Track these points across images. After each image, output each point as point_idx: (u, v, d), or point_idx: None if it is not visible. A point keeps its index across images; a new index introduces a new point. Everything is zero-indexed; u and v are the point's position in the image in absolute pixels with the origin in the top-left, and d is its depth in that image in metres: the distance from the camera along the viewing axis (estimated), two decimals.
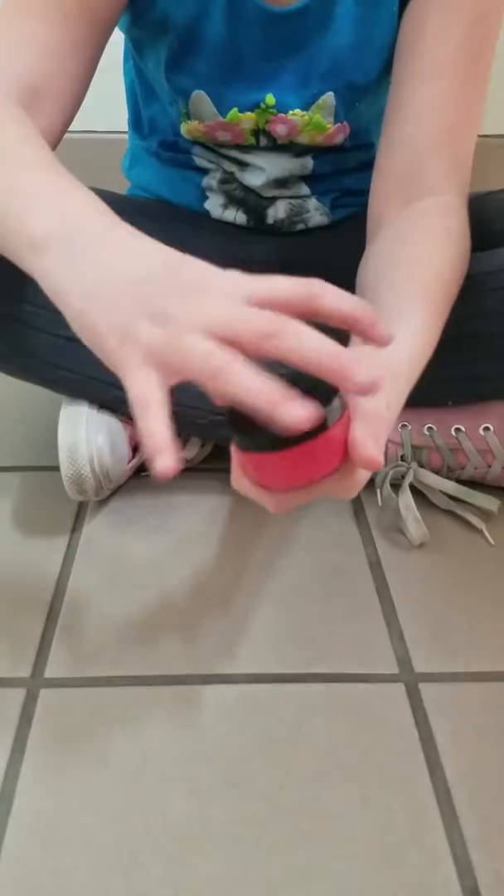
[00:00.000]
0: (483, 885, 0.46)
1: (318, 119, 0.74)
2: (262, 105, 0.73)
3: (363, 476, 0.46)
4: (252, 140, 0.76)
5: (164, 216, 0.83)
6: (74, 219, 0.45)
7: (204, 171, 0.83)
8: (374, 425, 0.42)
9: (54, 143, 0.65)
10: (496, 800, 0.51)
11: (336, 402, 0.41)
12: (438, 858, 0.48)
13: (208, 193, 0.84)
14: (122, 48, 0.80)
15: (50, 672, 0.59)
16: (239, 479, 0.47)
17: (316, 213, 0.83)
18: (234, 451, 0.46)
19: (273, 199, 0.82)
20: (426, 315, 0.56)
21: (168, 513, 0.76)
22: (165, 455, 0.39)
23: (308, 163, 0.79)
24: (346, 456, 0.43)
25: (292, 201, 0.82)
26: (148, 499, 0.78)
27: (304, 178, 0.81)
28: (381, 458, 0.42)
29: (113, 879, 0.46)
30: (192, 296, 0.40)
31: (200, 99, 0.73)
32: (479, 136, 0.69)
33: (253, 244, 0.84)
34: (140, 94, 0.82)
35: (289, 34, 0.69)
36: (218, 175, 0.82)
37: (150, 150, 0.85)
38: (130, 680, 0.59)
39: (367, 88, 0.73)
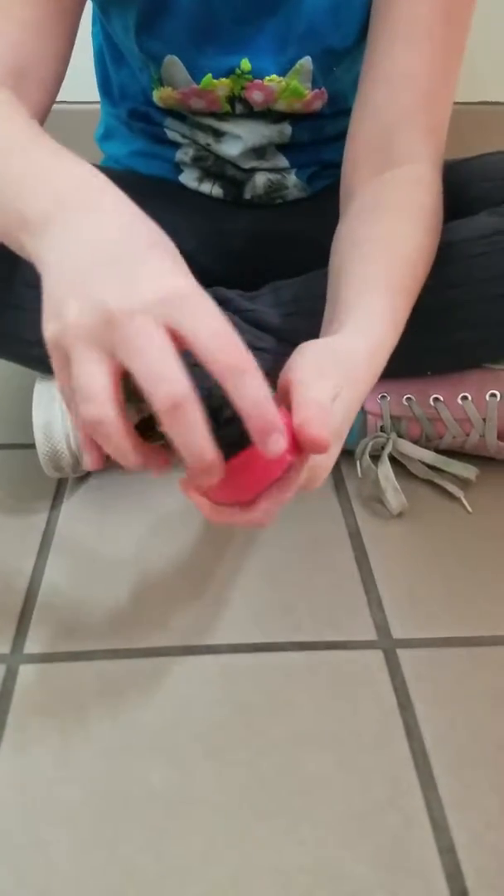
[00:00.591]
0: (459, 845, 0.47)
1: (295, 85, 0.73)
2: (238, 71, 0.71)
3: (321, 466, 0.46)
4: (227, 108, 0.75)
5: (139, 188, 0.81)
6: (64, 201, 0.44)
7: (176, 146, 0.81)
8: (314, 410, 0.42)
9: (40, 123, 0.64)
10: (473, 763, 0.52)
11: None
12: (415, 820, 0.48)
13: (182, 167, 0.83)
14: (91, 12, 0.78)
15: (29, 648, 0.59)
16: (185, 482, 0.46)
17: (294, 189, 0.82)
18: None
19: (251, 172, 0.81)
20: (389, 298, 0.55)
21: (148, 489, 0.76)
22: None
23: (286, 129, 0.78)
24: (287, 462, 0.43)
25: (271, 176, 0.81)
26: (127, 475, 0.77)
27: (282, 149, 0.80)
28: (327, 438, 0.41)
29: (95, 851, 0.47)
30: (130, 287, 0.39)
31: (173, 64, 0.72)
32: (456, 103, 0.69)
33: (230, 216, 0.83)
34: (109, 58, 0.80)
35: None
36: (191, 151, 0.81)
37: (121, 119, 0.84)
38: (110, 654, 0.59)
39: (344, 53, 0.72)
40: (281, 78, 0.72)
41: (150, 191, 0.82)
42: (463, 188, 0.73)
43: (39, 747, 0.53)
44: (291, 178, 0.81)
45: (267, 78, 0.72)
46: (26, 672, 0.58)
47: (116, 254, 0.40)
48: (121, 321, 0.37)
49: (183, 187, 0.83)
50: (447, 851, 0.47)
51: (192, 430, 0.37)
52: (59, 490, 0.76)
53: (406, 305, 0.57)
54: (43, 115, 0.65)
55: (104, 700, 0.56)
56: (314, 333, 0.76)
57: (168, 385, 0.37)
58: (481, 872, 0.46)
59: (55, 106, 0.68)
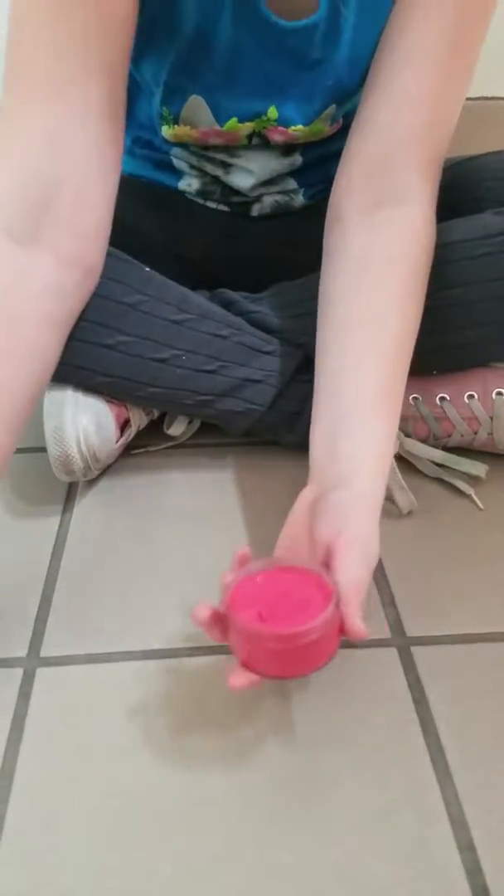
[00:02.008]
0: (478, 841, 0.47)
1: (317, 127, 0.73)
2: (264, 117, 0.71)
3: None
4: (245, 142, 0.75)
5: (145, 197, 0.81)
6: None
7: (180, 174, 0.81)
8: (355, 600, 0.48)
9: (91, 245, 0.59)
10: (488, 758, 0.52)
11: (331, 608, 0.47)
12: (434, 816, 0.49)
13: (187, 194, 0.82)
14: None
15: (45, 651, 0.60)
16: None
17: (300, 206, 0.82)
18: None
19: (259, 197, 0.81)
20: (386, 401, 0.59)
21: (159, 490, 0.76)
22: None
23: (297, 160, 0.77)
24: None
25: (278, 198, 0.81)
26: (138, 477, 0.78)
27: (291, 172, 0.80)
28: (366, 632, 0.47)
29: (112, 852, 0.47)
30: None
31: (197, 104, 0.71)
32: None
33: (236, 225, 0.83)
34: None
35: (297, 50, 0.66)
36: (195, 183, 0.80)
37: (125, 145, 0.83)
38: (126, 655, 0.59)
39: (361, 82, 0.70)
40: (305, 127, 0.72)
41: (156, 200, 0.82)
42: (468, 187, 0.74)
43: (57, 750, 0.53)
44: (299, 199, 0.81)
45: (292, 128, 0.72)
46: (43, 675, 0.58)
47: None
48: None
49: (188, 199, 0.83)
50: (466, 848, 0.47)
51: None
52: (71, 494, 0.76)
53: (400, 396, 0.60)
54: (96, 261, 0.60)
55: (120, 702, 0.56)
56: (314, 334, 0.76)
57: None
58: (501, 868, 0.46)
59: None
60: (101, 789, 0.50)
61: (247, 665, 0.48)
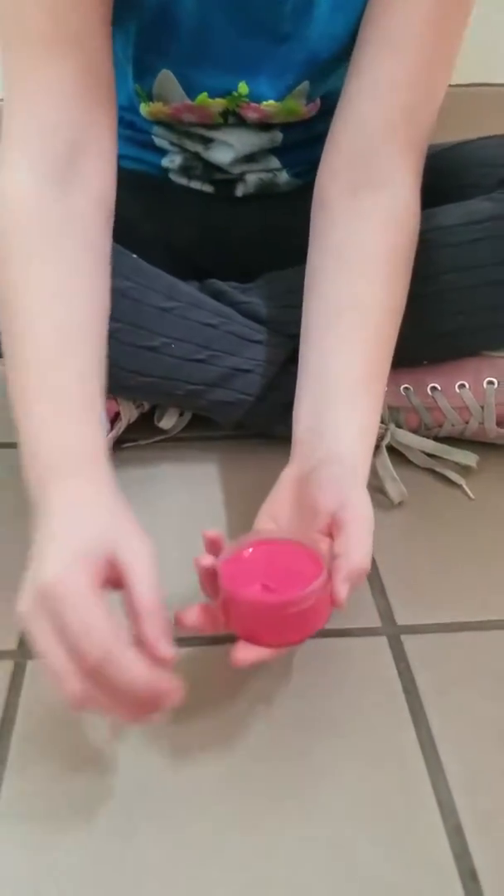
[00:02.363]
0: (466, 826, 0.48)
1: (291, 105, 0.72)
2: (235, 93, 0.70)
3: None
4: (220, 120, 0.74)
5: (129, 184, 0.81)
6: (44, 485, 0.50)
7: (163, 152, 0.81)
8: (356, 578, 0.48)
9: (110, 195, 0.61)
10: (478, 745, 0.52)
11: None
12: (423, 801, 0.49)
13: (170, 173, 0.82)
14: None
15: None
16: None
17: (286, 186, 0.82)
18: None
19: (242, 175, 0.80)
20: (370, 383, 0.59)
21: (150, 484, 0.76)
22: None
23: (277, 136, 0.77)
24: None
25: (262, 175, 0.81)
26: (129, 470, 0.78)
27: (274, 151, 0.79)
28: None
29: (108, 841, 0.47)
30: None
31: (168, 80, 0.70)
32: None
33: (222, 210, 0.83)
34: None
35: (265, 23, 0.66)
36: (178, 159, 0.80)
37: None
38: None
39: (337, 60, 0.70)
40: (278, 102, 0.71)
41: (140, 187, 0.82)
42: (456, 173, 0.74)
43: (49, 741, 0.53)
44: (283, 177, 0.81)
45: (264, 103, 0.71)
46: (34, 668, 0.58)
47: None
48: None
49: (173, 183, 0.83)
50: (455, 833, 0.47)
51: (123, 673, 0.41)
52: None
53: (384, 376, 0.61)
54: (111, 182, 0.61)
55: None
56: None
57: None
58: (489, 852, 0.46)
59: None
60: (93, 781, 0.51)
61: (250, 639, 0.48)
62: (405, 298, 0.62)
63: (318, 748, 0.52)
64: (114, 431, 0.77)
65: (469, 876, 0.45)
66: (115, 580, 0.45)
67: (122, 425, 0.78)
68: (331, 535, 0.50)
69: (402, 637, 0.59)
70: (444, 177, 0.70)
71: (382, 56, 0.62)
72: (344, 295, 0.61)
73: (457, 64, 0.64)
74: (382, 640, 0.59)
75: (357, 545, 0.49)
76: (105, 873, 0.46)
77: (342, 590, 0.46)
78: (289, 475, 0.57)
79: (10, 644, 0.60)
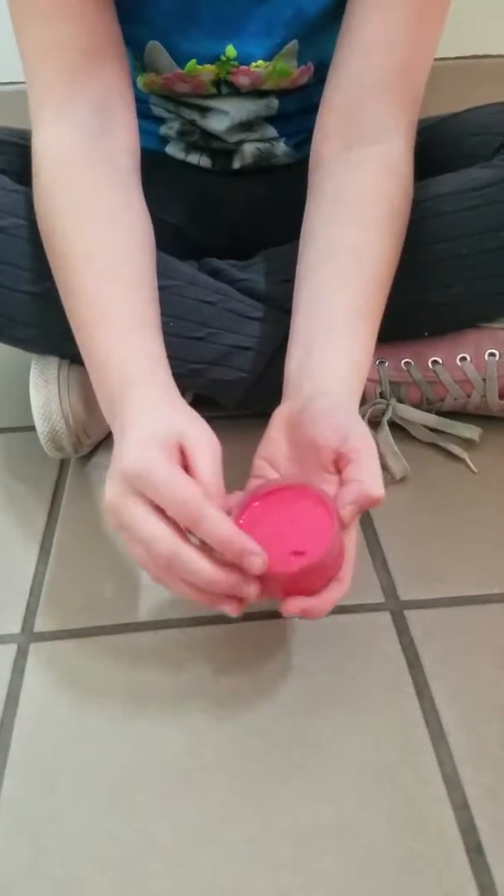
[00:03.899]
0: (472, 800, 0.47)
1: (282, 66, 0.71)
2: (223, 58, 0.70)
3: None
4: (213, 90, 0.73)
5: None
6: (114, 406, 0.52)
7: (161, 120, 0.80)
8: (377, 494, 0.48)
9: (138, 148, 0.65)
10: (482, 718, 0.52)
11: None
12: (428, 777, 0.49)
13: (168, 140, 0.82)
14: None
15: (39, 626, 0.60)
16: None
17: (284, 156, 0.81)
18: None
19: (239, 144, 0.79)
20: (363, 322, 0.58)
21: None
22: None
23: (273, 102, 0.76)
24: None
25: (260, 145, 0.79)
26: None
27: (270, 120, 0.78)
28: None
29: (112, 819, 0.47)
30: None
31: (156, 50, 0.70)
32: (442, 58, 0.67)
33: (219, 186, 0.82)
34: None
35: None
36: (176, 125, 0.79)
37: None
38: (119, 628, 0.59)
39: (325, 19, 0.69)
40: (267, 63, 0.70)
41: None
42: (452, 143, 0.72)
43: (53, 723, 0.53)
44: (280, 146, 0.80)
45: (253, 64, 0.70)
46: (37, 650, 0.58)
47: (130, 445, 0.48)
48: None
49: (170, 158, 0.82)
50: (461, 807, 0.47)
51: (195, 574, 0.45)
52: (63, 470, 0.76)
53: (378, 315, 0.59)
54: (135, 129, 0.64)
55: (115, 674, 0.56)
56: None
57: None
58: (495, 826, 0.46)
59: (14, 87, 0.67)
60: (97, 759, 0.51)
61: (285, 595, 0.48)
62: (399, 250, 0.61)
63: (323, 724, 0.52)
64: None
65: (476, 850, 0.45)
66: (184, 465, 0.48)
67: None
68: (337, 469, 0.49)
69: (406, 612, 0.59)
70: (440, 147, 0.68)
71: (370, 17, 0.61)
72: (336, 239, 0.60)
73: (452, 37, 0.63)
74: (386, 616, 0.59)
75: (370, 473, 0.48)
76: (107, 852, 0.46)
77: (347, 511, 0.47)
78: (280, 414, 0.56)
79: (14, 628, 0.60)
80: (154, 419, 0.49)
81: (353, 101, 0.62)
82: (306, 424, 0.52)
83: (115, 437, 0.51)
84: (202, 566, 0.45)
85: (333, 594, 0.48)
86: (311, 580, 0.47)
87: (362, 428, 0.50)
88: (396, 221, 0.61)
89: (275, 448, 0.54)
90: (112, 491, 0.47)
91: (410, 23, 0.60)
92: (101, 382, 0.55)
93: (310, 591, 0.48)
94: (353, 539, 0.50)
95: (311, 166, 0.66)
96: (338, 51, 0.64)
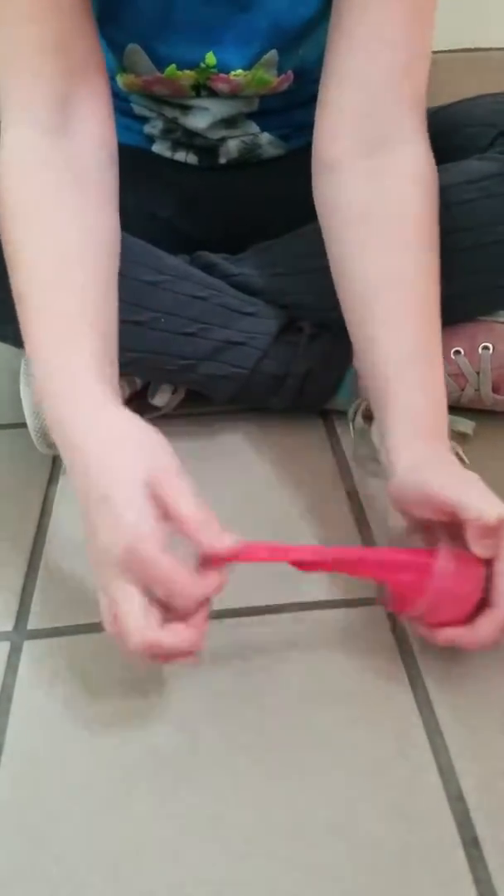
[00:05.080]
0: (468, 792, 0.47)
1: (261, 75, 0.71)
2: (202, 64, 0.69)
3: None
4: (192, 94, 0.73)
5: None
6: (68, 429, 0.50)
7: (144, 119, 0.79)
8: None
9: (110, 137, 0.62)
10: (478, 710, 0.52)
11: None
12: (424, 769, 0.48)
13: (153, 139, 0.81)
14: None
15: (32, 624, 0.60)
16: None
17: (269, 146, 0.80)
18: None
19: (222, 140, 0.79)
20: (429, 363, 0.57)
21: None
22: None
23: (254, 100, 0.75)
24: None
25: (244, 138, 0.79)
26: None
27: (252, 116, 0.77)
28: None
29: (108, 817, 0.47)
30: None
31: (135, 52, 0.70)
32: (436, 51, 0.67)
33: (207, 181, 0.81)
34: None
35: None
36: (159, 124, 0.79)
37: None
38: None
39: (305, 31, 0.69)
40: (247, 72, 0.70)
41: (124, 159, 0.80)
42: (447, 135, 0.72)
43: (47, 720, 0.53)
44: (264, 137, 0.79)
45: (233, 73, 0.70)
46: (30, 648, 0.58)
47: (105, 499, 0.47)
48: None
49: (157, 156, 0.82)
50: (456, 799, 0.47)
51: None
52: (56, 467, 0.75)
53: (439, 341, 0.59)
54: (110, 123, 0.62)
55: (109, 670, 0.56)
56: (301, 292, 0.75)
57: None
58: (491, 818, 0.46)
59: None
60: (93, 756, 0.50)
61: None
62: (438, 259, 0.60)
63: (318, 717, 0.52)
64: None
65: (472, 843, 0.45)
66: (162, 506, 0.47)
67: None
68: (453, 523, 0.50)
69: None
70: (437, 138, 0.68)
71: (368, 15, 0.60)
72: (379, 271, 0.59)
73: (446, 30, 0.62)
74: (380, 610, 0.59)
75: (473, 507, 0.48)
76: (103, 848, 0.46)
77: (479, 549, 0.48)
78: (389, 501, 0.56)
79: (7, 625, 0.59)
80: (124, 471, 0.47)
81: (365, 100, 0.61)
82: (404, 510, 0.53)
83: (68, 463, 0.50)
84: (170, 643, 0.45)
85: (487, 623, 0.49)
86: (435, 609, 0.49)
87: (436, 479, 0.50)
88: (431, 234, 0.60)
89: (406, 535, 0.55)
90: (99, 574, 0.47)
91: (408, 21, 0.60)
92: (43, 392, 0.52)
93: (444, 621, 0.50)
94: None
95: (319, 167, 0.64)
96: (333, 53, 0.62)
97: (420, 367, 0.57)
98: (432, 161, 0.62)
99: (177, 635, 0.45)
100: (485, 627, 0.48)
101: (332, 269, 0.63)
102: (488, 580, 0.49)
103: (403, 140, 0.61)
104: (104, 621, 0.47)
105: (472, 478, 0.51)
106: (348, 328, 0.62)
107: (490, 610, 0.48)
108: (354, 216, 0.61)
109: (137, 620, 0.44)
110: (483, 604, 0.49)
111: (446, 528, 0.51)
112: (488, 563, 0.49)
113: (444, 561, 0.48)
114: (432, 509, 0.50)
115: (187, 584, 0.45)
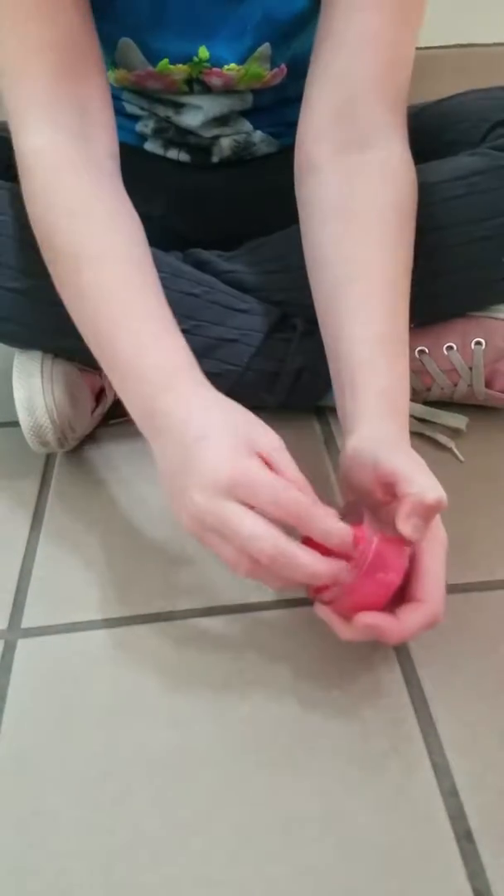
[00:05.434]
0: (461, 787, 0.47)
1: (254, 69, 0.71)
2: (195, 59, 0.69)
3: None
4: (185, 89, 0.73)
5: None
6: (154, 404, 0.52)
7: (136, 118, 0.79)
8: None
9: (117, 149, 0.63)
10: (471, 706, 0.52)
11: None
12: (417, 765, 0.49)
13: (145, 138, 0.81)
14: None
15: (26, 622, 0.60)
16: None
17: (262, 144, 0.80)
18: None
19: (215, 138, 0.79)
20: (394, 351, 0.57)
21: (138, 460, 0.75)
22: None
23: (247, 97, 0.75)
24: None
25: (237, 137, 0.79)
26: (117, 447, 0.77)
27: (245, 114, 0.77)
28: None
29: (101, 813, 0.47)
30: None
31: (128, 47, 0.70)
32: (427, 47, 0.67)
33: (200, 178, 0.81)
34: None
35: None
36: (151, 123, 0.79)
37: None
38: (109, 622, 0.59)
39: (298, 24, 0.69)
40: (240, 66, 0.70)
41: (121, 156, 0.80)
42: (437, 131, 0.72)
43: (41, 718, 0.53)
44: (257, 135, 0.79)
45: (226, 67, 0.70)
46: (25, 646, 0.58)
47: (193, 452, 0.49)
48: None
49: (150, 154, 0.81)
50: (450, 794, 0.47)
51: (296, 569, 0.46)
52: (49, 465, 0.75)
53: (406, 327, 0.59)
54: (114, 130, 0.63)
55: (103, 668, 0.56)
56: (293, 289, 0.75)
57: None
58: (484, 813, 0.46)
59: None
60: (86, 753, 0.50)
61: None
62: (412, 255, 0.60)
63: (311, 714, 0.52)
64: (99, 407, 0.76)
65: (465, 837, 0.45)
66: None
67: (107, 401, 0.77)
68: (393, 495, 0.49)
69: None
70: (427, 134, 0.68)
71: (352, 16, 0.60)
72: (349, 264, 0.59)
73: (437, 26, 0.62)
74: None
75: (416, 483, 0.48)
76: (96, 845, 0.46)
77: (409, 525, 0.47)
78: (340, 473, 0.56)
79: (2, 623, 0.59)
80: (224, 424, 0.49)
81: (344, 101, 0.61)
82: (348, 479, 0.53)
83: (162, 441, 0.51)
84: (307, 560, 0.45)
85: (413, 616, 0.48)
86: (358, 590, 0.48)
87: (389, 450, 0.50)
88: (405, 230, 0.60)
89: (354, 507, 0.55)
90: (201, 499, 0.47)
91: (395, 22, 0.60)
92: (132, 383, 0.54)
93: (361, 605, 0.48)
94: (437, 561, 0.50)
95: (301, 168, 0.64)
96: (319, 53, 0.62)
97: (385, 354, 0.56)
98: (409, 160, 0.62)
99: (308, 553, 0.45)
100: (413, 620, 0.48)
101: (307, 264, 0.63)
102: (411, 571, 0.49)
103: (381, 139, 0.61)
104: (221, 555, 0.48)
105: (422, 461, 0.51)
106: (318, 318, 0.62)
107: (419, 604, 0.48)
108: (329, 213, 0.61)
109: (265, 525, 0.45)
110: (400, 594, 0.49)
111: (375, 512, 0.51)
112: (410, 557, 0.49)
113: (369, 535, 0.47)
114: (375, 477, 0.49)
115: (301, 498, 0.46)
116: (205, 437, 0.48)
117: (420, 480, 0.48)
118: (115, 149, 0.63)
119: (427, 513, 0.47)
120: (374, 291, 0.58)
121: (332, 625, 0.50)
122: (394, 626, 0.47)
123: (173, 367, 0.53)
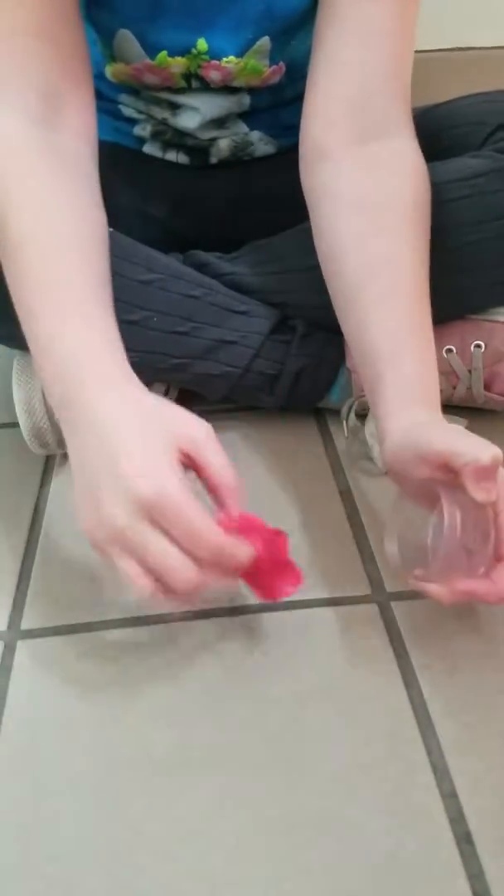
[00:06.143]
0: (460, 789, 0.47)
1: (253, 64, 0.71)
2: (194, 51, 0.69)
3: None
4: (183, 83, 0.73)
5: (106, 158, 0.80)
6: (75, 390, 0.50)
7: (133, 121, 0.79)
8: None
9: (93, 134, 0.62)
10: (470, 708, 0.52)
11: None
12: (417, 767, 0.49)
13: (145, 140, 0.81)
14: None
15: (26, 624, 0.60)
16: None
17: (260, 143, 0.80)
18: None
19: (213, 140, 0.79)
20: (423, 339, 0.58)
21: None
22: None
23: (245, 99, 0.75)
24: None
25: (234, 138, 0.79)
26: None
27: (242, 116, 0.77)
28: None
29: (101, 815, 0.47)
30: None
31: (125, 38, 0.69)
32: (427, 50, 0.67)
33: (200, 180, 0.81)
34: None
35: None
36: (148, 126, 0.79)
37: None
38: (107, 624, 0.59)
39: (298, 20, 0.69)
40: (238, 59, 0.70)
41: (117, 160, 0.80)
42: (434, 136, 0.72)
43: (41, 719, 0.53)
44: (255, 135, 0.79)
45: (224, 59, 0.70)
46: (24, 647, 0.58)
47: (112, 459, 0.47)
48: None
49: (149, 156, 0.81)
50: (449, 796, 0.47)
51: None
52: (49, 467, 0.75)
53: (429, 322, 0.59)
54: (93, 125, 0.62)
55: (103, 670, 0.56)
56: (293, 291, 0.75)
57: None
58: (484, 815, 0.46)
59: None
60: (86, 755, 0.50)
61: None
62: (429, 247, 0.61)
63: (311, 716, 0.52)
64: None
65: (465, 839, 0.45)
66: (192, 466, 0.49)
67: None
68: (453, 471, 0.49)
69: (393, 604, 0.59)
70: (429, 137, 0.68)
71: (361, 6, 0.61)
72: (372, 258, 0.59)
73: (435, 29, 0.63)
74: (373, 608, 0.59)
75: (465, 449, 0.48)
76: (97, 846, 0.46)
77: (479, 493, 0.47)
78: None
79: (1, 625, 0.59)
80: (142, 421, 0.48)
81: (357, 87, 0.62)
82: (401, 478, 0.54)
83: (79, 440, 0.49)
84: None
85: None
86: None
87: (428, 437, 0.50)
88: (425, 223, 0.61)
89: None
90: (120, 515, 0.46)
91: (398, 15, 0.60)
92: (48, 369, 0.52)
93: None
94: None
95: (309, 155, 0.64)
96: (324, 38, 0.63)
97: (414, 343, 0.57)
98: (419, 150, 0.63)
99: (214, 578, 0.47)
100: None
101: (322, 256, 0.63)
102: (498, 531, 0.49)
103: (397, 132, 0.62)
104: (128, 573, 0.48)
105: (461, 430, 0.51)
106: (337, 313, 0.62)
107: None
108: (349, 205, 0.61)
109: (180, 557, 0.46)
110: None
111: (446, 487, 0.51)
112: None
113: (450, 506, 0.48)
114: (427, 465, 0.50)
115: (212, 530, 0.46)
116: (121, 437, 0.47)
117: (467, 448, 0.48)
118: (89, 130, 0.62)
119: (488, 474, 0.47)
120: (400, 284, 0.58)
121: (434, 595, 0.51)
122: (490, 588, 0.49)
123: (91, 356, 0.51)
